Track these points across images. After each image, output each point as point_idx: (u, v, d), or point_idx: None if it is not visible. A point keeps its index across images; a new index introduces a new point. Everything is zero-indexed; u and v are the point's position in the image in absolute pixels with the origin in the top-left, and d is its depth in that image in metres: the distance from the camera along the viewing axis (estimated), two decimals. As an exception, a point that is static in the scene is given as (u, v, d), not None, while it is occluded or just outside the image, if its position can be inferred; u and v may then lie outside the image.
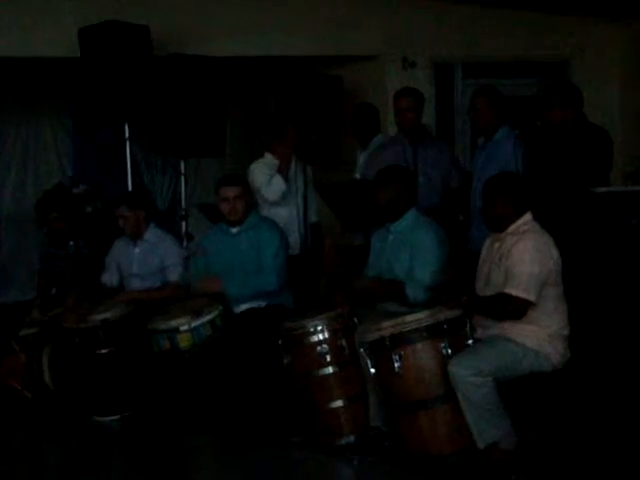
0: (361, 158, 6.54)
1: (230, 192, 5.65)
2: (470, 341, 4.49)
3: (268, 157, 6.30)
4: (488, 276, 4.59)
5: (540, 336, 4.44)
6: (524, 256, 4.39)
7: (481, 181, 5.64)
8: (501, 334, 4.46)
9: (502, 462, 4.31)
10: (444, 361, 4.37)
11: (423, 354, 4.43)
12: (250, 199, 5.77)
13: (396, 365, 4.40)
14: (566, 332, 4.52)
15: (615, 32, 8.44)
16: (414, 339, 4.43)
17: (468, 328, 4.50)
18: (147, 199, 6.48)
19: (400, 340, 4.42)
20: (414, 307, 4.76)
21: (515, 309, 4.39)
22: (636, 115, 8.35)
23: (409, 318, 4.48)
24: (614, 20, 8.32)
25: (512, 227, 4.55)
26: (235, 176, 5.90)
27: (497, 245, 4.58)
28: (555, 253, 4.49)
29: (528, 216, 4.57)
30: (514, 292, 4.37)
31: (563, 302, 4.54)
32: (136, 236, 6.15)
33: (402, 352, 4.41)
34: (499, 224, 4.59)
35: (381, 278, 5.08)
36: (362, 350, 4.58)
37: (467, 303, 4.51)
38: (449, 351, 4.39)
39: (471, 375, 4.25)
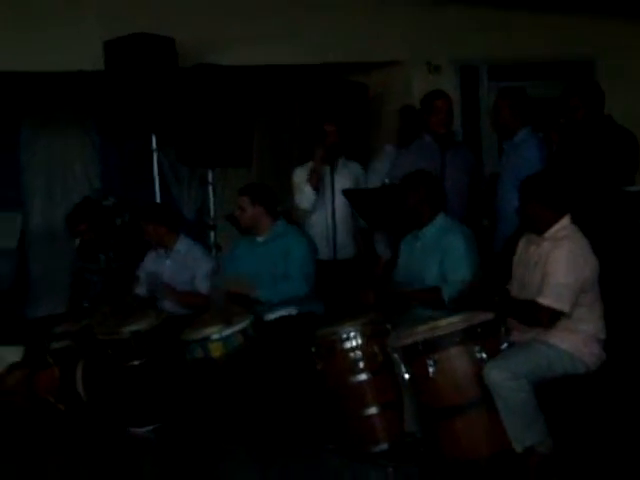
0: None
1: (239, 201, 5.75)
2: (504, 345, 4.44)
3: (310, 164, 6.40)
4: (523, 279, 4.55)
5: (575, 340, 4.40)
6: (560, 265, 4.34)
7: (504, 182, 5.64)
8: (536, 337, 4.42)
9: (539, 466, 4.27)
10: (479, 365, 4.33)
11: (457, 359, 4.39)
12: (263, 208, 5.75)
13: (430, 370, 4.36)
14: (602, 335, 4.47)
15: (641, 32, 8.39)
16: (448, 344, 4.39)
17: (502, 331, 4.46)
18: (166, 212, 6.43)
19: (434, 345, 4.39)
20: (448, 311, 4.73)
21: (545, 319, 4.35)
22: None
23: (442, 323, 4.45)
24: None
25: (550, 232, 4.48)
26: (247, 186, 5.93)
27: (533, 248, 4.54)
28: (592, 260, 4.42)
29: (566, 220, 4.50)
30: (546, 302, 4.32)
31: (599, 305, 4.48)
32: (164, 247, 6.16)
33: (436, 357, 4.37)
34: (537, 227, 4.54)
35: (418, 289, 5.04)
36: (396, 355, 4.56)
37: (499, 304, 4.47)
38: (483, 355, 4.35)
39: (507, 379, 4.21)
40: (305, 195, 6.34)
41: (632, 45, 8.36)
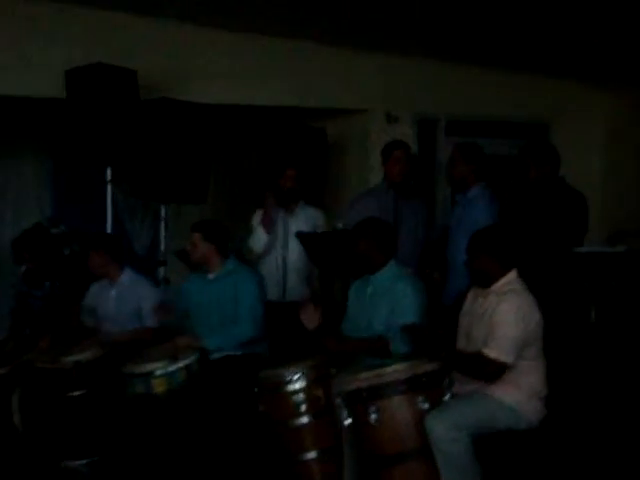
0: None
1: (191, 237, 5.76)
2: (447, 396, 4.45)
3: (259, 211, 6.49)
4: (469, 331, 4.58)
5: (518, 394, 4.43)
6: (507, 318, 4.38)
7: (455, 236, 5.71)
8: (479, 390, 4.44)
9: None
10: (421, 415, 4.32)
11: (400, 407, 4.37)
12: (215, 246, 5.74)
13: (372, 417, 4.34)
14: (544, 392, 4.51)
15: (598, 97, 8.58)
16: (392, 392, 4.37)
17: (446, 382, 4.47)
18: (113, 243, 6.37)
19: (377, 392, 4.37)
20: (393, 359, 4.72)
21: (492, 371, 4.37)
22: (617, 179, 8.46)
23: (388, 370, 4.44)
24: (597, 85, 8.45)
25: (497, 285, 4.54)
26: (200, 222, 5.93)
27: (480, 300, 4.58)
28: (537, 315, 4.48)
29: (513, 274, 4.56)
30: (492, 354, 4.35)
31: (542, 361, 4.53)
32: (108, 278, 6.11)
33: (379, 404, 4.35)
34: (484, 280, 4.58)
35: (365, 338, 5.03)
36: (338, 400, 4.53)
37: (446, 358, 4.49)
38: (426, 405, 4.34)
39: (447, 430, 4.21)
40: (257, 237, 6.45)
41: (589, 108, 8.56)
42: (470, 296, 4.72)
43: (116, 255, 6.18)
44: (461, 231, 5.63)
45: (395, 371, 4.42)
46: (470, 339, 4.54)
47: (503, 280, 4.54)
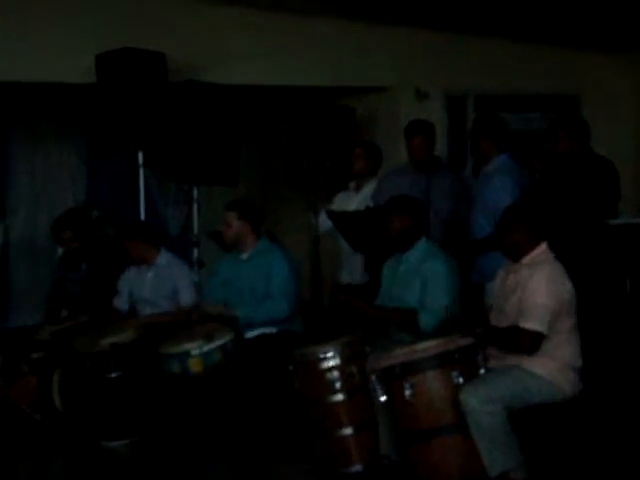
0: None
1: (226, 216, 5.76)
2: (482, 370, 4.47)
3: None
4: (502, 308, 4.59)
5: (552, 367, 4.43)
6: (539, 288, 4.38)
7: (475, 210, 5.69)
8: (514, 364, 4.45)
9: None
10: (456, 390, 4.35)
11: (434, 382, 4.40)
12: (249, 225, 5.77)
13: (407, 393, 4.37)
14: (579, 364, 4.50)
15: (628, 68, 8.49)
16: (425, 367, 4.41)
17: (480, 357, 4.49)
18: (147, 230, 6.43)
19: (411, 368, 4.40)
20: (427, 336, 4.74)
21: (528, 343, 4.37)
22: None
23: (420, 346, 4.47)
24: (627, 56, 8.37)
25: (528, 258, 4.53)
26: (235, 201, 5.93)
27: (511, 277, 4.58)
28: (569, 285, 4.48)
29: (544, 246, 4.56)
30: (528, 325, 4.35)
31: (576, 334, 4.52)
32: (146, 263, 6.18)
33: (413, 380, 4.39)
34: (515, 252, 4.58)
35: (398, 308, 5.06)
36: (373, 377, 4.57)
37: (481, 335, 4.50)
38: (460, 380, 4.36)
39: (482, 403, 4.23)
40: (321, 222, 6.55)
41: (618, 78, 8.48)
42: (501, 274, 4.73)
43: (151, 240, 6.24)
44: (479, 205, 5.63)
45: (428, 347, 4.45)
46: (504, 314, 4.54)
47: (534, 252, 4.53)
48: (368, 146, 6.73)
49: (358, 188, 6.57)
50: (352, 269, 6.41)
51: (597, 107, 8.25)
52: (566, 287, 4.46)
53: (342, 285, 6.46)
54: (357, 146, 6.70)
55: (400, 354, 4.47)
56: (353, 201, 6.47)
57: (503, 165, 5.64)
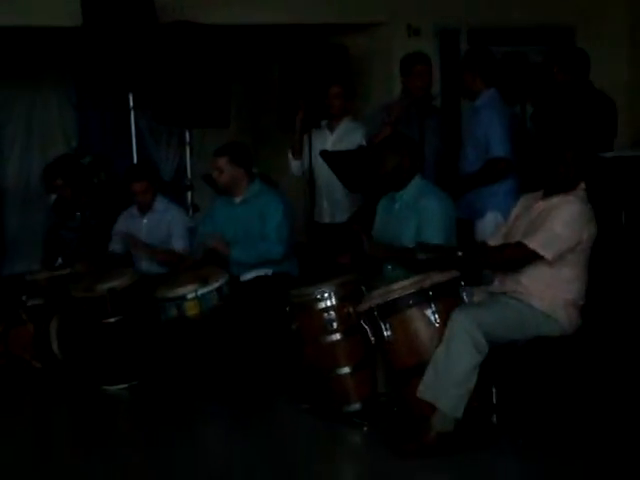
0: None
1: (217, 162, 5.70)
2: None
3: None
4: (512, 233, 4.50)
5: (555, 300, 4.36)
6: (564, 216, 4.28)
7: (464, 145, 5.64)
8: (515, 290, 4.39)
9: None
10: (434, 327, 4.32)
11: (411, 322, 4.37)
12: (242, 169, 5.71)
13: (386, 334, 4.37)
14: (581, 301, 4.44)
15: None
16: (400, 307, 4.38)
17: (466, 292, 4.43)
18: (152, 170, 6.44)
19: (387, 309, 4.38)
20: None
21: (520, 255, 4.28)
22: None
23: (394, 287, 4.43)
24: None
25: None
26: (225, 146, 5.85)
27: (540, 204, 4.44)
28: (594, 229, 4.36)
29: (583, 185, 4.42)
30: (532, 245, 4.25)
31: (586, 272, 4.44)
32: (146, 208, 6.15)
33: (390, 321, 4.37)
34: (560, 184, 4.40)
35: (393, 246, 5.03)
36: (362, 320, 4.54)
37: (462, 258, 4.43)
38: (436, 317, 4.32)
39: (472, 323, 4.16)
40: (293, 163, 6.35)
41: (614, 10, 8.38)
42: (525, 201, 4.62)
43: (155, 183, 6.21)
44: (468, 140, 5.57)
45: (402, 287, 4.41)
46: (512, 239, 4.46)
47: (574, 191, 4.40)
48: (345, 83, 6.47)
49: (331, 127, 6.41)
50: (333, 209, 6.32)
51: (592, 39, 8.14)
52: (590, 228, 4.34)
53: (322, 224, 6.35)
54: (333, 83, 6.36)
55: (376, 295, 4.46)
56: (328, 141, 6.30)
57: (491, 100, 5.59)
